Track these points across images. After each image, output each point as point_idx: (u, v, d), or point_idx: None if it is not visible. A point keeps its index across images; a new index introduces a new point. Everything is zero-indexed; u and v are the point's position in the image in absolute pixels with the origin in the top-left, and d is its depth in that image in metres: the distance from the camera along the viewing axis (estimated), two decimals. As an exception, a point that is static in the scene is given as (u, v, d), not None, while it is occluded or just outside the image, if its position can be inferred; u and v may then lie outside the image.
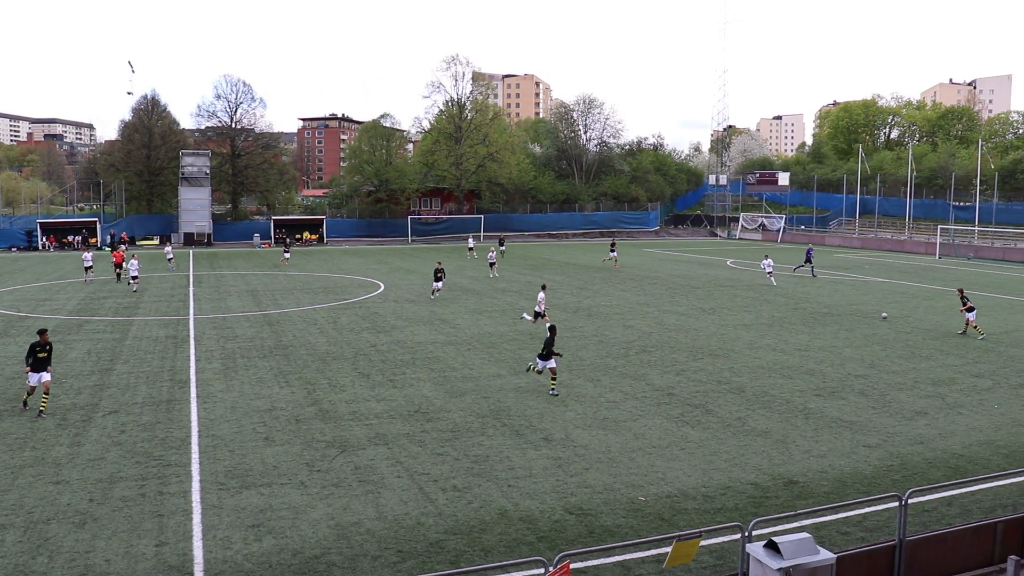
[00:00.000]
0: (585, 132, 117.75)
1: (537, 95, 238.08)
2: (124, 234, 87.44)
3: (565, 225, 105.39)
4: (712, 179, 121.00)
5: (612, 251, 62.09)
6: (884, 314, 36.97)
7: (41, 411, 20.71)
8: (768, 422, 20.10)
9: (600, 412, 20.88)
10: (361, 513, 14.45)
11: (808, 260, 55.57)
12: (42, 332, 21.60)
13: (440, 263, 45.63)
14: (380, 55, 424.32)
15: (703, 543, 12.29)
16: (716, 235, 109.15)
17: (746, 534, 10.55)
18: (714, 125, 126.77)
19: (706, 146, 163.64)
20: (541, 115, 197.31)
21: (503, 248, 70.03)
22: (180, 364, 26.64)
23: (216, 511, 14.56)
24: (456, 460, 17.22)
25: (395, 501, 14.98)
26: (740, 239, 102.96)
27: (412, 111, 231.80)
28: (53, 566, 12.52)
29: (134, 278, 45.69)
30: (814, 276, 53.60)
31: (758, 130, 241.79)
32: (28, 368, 20.83)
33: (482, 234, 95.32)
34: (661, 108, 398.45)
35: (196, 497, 15.23)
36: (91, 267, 50.82)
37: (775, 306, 40.03)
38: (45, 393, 20.92)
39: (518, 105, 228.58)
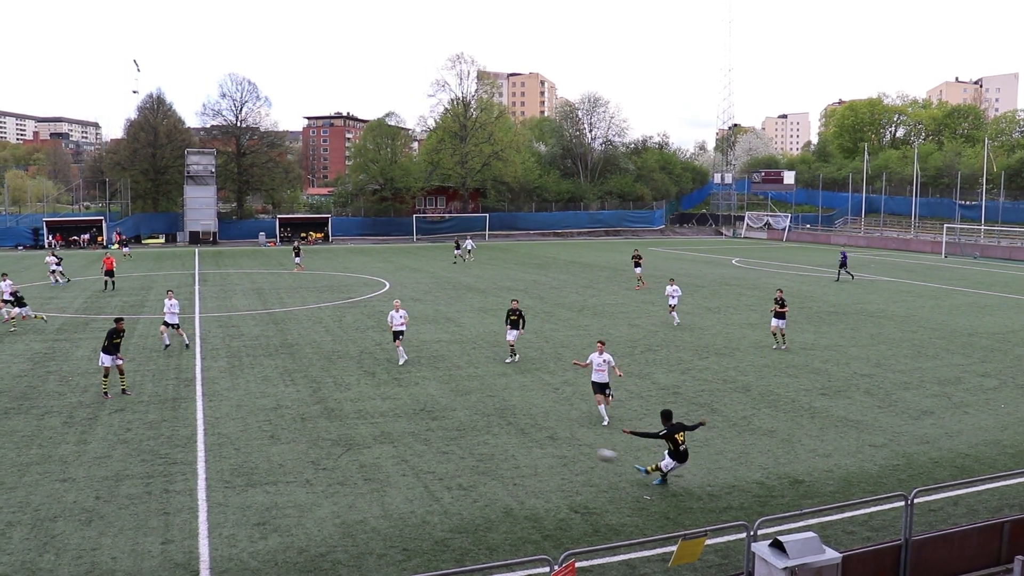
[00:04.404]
0: (590, 131, 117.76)
1: (542, 94, 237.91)
2: (118, 232, 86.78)
3: (570, 224, 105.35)
4: (717, 178, 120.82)
5: (637, 266, 48.00)
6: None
7: (124, 389, 22.53)
8: (774, 421, 20.08)
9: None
10: (367, 511, 14.47)
11: (843, 264, 52.48)
12: (118, 320, 23.10)
13: (516, 301, 28.13)
14: (385, 54, 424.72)
15: (708, 542, 12.31)
16: (721, 234, 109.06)
17: (751, 533, 10.54)
18: (719, 124, 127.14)
19: (711, 145, 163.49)
20: (546, 113, 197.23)
21: (461, 250, 65.56)
22: (186, 362, 26.69)
23: (222, 509, 14.59)
24: (461, 459, 17.23)
25: (400, 499, 15.00)
26: (746, 238, 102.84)
27: (417, 110, 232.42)
28: (60, 563, 12.57)
29: (174, 326, 29.32)
30: (841, 278, 51.57)
31: (763, 129, 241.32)
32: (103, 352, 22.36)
33: (487, 232, 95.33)
34: (666, 107, 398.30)
35: (202, 495, 15.27)
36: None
37: (780, 305, 39.93)
38: (120, 374, 22.60)
39: (523, 104, 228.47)
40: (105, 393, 22.25)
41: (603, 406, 19.82)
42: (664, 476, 15.69)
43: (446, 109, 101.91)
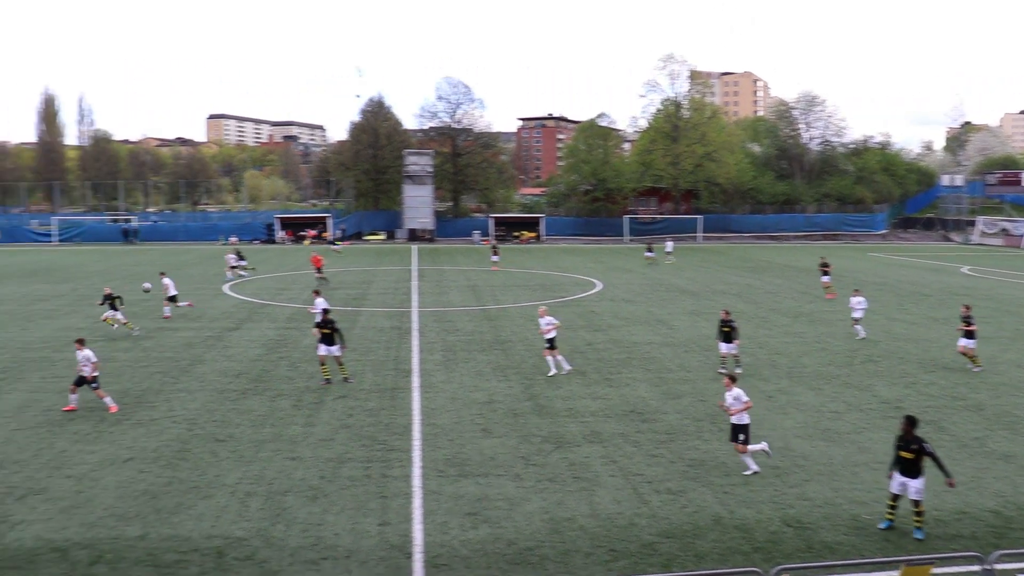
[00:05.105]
0: (806, 130, 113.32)
1: (755, 93, 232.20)
2: (311, 231, 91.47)
3: (785, 227, 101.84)
4: (946, 179, 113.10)
5: (825, 275, 44.48)
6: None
7: (346, 378, 23.77)
8: (1012, 445, 18.58)
9: (822, 422, 20.04)
10: (575, 509, 14.58)
11: None
12: (325, 311, 24.91)
13: (727, 312, 26.16)
14: (597, 56, 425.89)
15: (934, 571, 11.56)
16: (950, 240, 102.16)
17: (987, 567, 9.82)
18: (949, 122, 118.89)
19: (939, 144, 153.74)
20: (759, 113, 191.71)
21: (653, 253, 64.02)
22: (404, 354, 27.83)
23: (435, 497, 15.13)
24: (671, 463, 17.03)
25: (608, 500, 15.01)
26: (978, 244, 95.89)
27: (628, 110, 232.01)
28: (289, 534, 13.53)
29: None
30: None
31: (1000, 126, 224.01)
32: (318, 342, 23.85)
33: (700, 234, 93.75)
34: (888, 104, 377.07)
35: (417, 482, 15.90)
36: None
37: (1020, 318, 36.98)
38: (339, 364, 23.74)
39: (736, 103, 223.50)
40: (326, 380, 23.52)
41: (747, 456, 16.65)
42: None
43: (658, 109, 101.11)
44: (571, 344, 29.49)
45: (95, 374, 20.89)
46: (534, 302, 40.46)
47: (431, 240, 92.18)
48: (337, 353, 23.68)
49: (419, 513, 14.45)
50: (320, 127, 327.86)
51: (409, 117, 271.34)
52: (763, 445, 16.92)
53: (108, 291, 32.17)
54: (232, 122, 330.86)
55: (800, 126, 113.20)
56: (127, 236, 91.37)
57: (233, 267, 51.14)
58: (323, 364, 23.71)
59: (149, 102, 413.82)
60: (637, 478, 16.12)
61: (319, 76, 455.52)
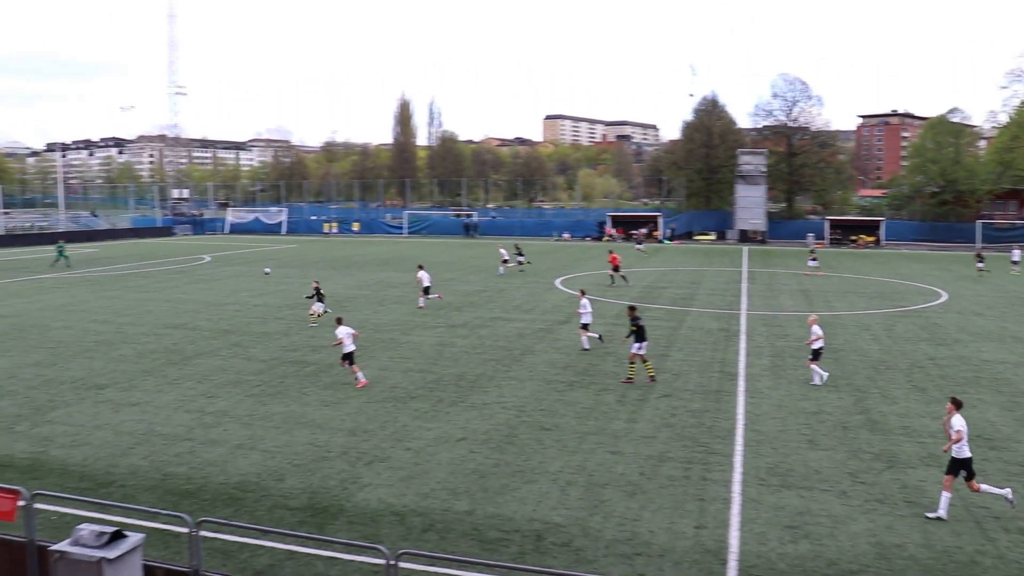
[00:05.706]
0: None
1: None
2: (609, 228, 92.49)
3: None
4: None
5: None
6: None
7: (629, 377, 23.74)
8: None
9: None
10: (906, 536, 13.61)
11: None
12: (631, 308, 24.90)
13: None
14: (949, 43, 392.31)
15: None
16: None
17: None
18: None
19: None
20: None
21: (984, 263, 55.86)
22: (730, 357, 27.41)
23: (754, 505, 14.78)
24: (1023, 499, 15.37)
25: (946, 531, 13.84)
26: None
27: (986, 104, 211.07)
28: (606, 527, 13.85)
29: (585, 326, 29.12)
30: None
31: None
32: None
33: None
34: None
35: (736, 488, 15.61)
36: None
37: None
38: (631, 362, 23.87)
39: None
40: (650, 378, 23.71)
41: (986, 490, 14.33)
42: None
43: (1022, 102, 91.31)
44: (911, 358, 27.55)
45: (351, 348, 23.37)
46: (870, 311, 38.22)
47: (762, 242, 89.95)
48: (636, 351, 23.62)
49: (737, 520, 14.19)
50: (653, 126, 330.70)
51: (743, 116, 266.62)
52: (1007, 491, 14.62)
53: (316, 285, 35.30)
54: (568, 122, 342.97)
55: None
56: (467, 230, 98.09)
57: (505, 260, 53.18)
58: (645, 361, 23.91)
59: (491, 104, 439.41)
60: (981, 511, 14.69)
61: (653, 76, 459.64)
